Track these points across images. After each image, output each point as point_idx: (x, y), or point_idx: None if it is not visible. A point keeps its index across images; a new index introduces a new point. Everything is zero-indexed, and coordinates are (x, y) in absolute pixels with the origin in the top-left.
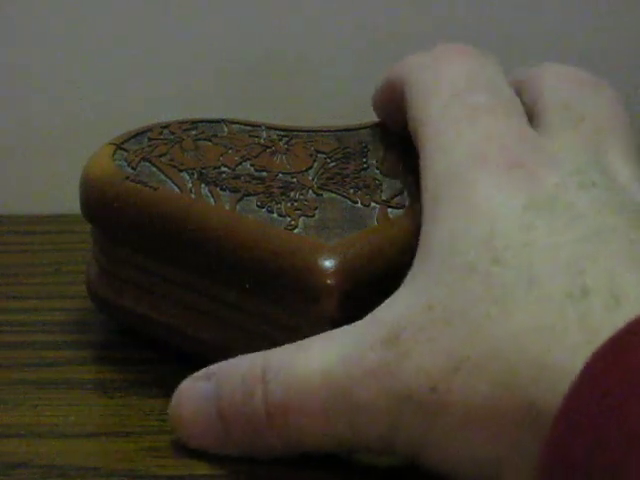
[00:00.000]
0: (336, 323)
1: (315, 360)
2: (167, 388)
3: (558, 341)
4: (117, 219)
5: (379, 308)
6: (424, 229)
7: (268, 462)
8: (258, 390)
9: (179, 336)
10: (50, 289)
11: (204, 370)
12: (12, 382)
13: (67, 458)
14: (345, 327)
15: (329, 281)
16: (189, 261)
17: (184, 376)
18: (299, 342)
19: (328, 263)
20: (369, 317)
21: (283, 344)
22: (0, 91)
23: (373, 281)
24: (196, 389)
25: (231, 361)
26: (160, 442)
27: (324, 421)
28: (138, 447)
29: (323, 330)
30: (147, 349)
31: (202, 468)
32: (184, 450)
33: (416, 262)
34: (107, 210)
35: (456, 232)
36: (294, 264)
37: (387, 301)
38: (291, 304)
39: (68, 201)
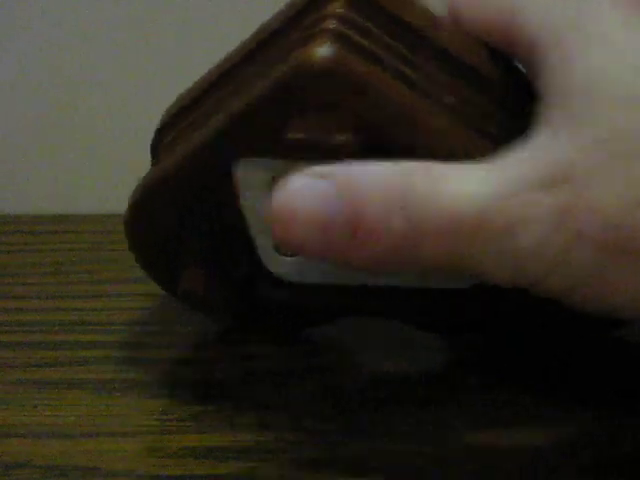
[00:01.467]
0: (345, 22)
1: (463, 195)
2: (167, 388)
3: None
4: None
5: (528, 147)
6: (552, 64)
7: (268, 461)
8: (398, 216)
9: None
10: (50, 289)
11: (316, 169)
12: (12, 382)
13: (67, 458)
14: (483, 164)
15: None
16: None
17: (184, 376)
18: (434, 170)
19: None
20: (517, 156)
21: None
22: (0, 90)
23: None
24: (316, 187)
25: (354, 167)
26: (160, 442)
27: (467, 260)
28: (138, 447)
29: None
30: (147, 349)
31: (202, 468)
32: (184, 450)
33: (554, 100)
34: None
35: (600, 68)
36: None
37: (534, 140)
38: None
39: (68, 201)
